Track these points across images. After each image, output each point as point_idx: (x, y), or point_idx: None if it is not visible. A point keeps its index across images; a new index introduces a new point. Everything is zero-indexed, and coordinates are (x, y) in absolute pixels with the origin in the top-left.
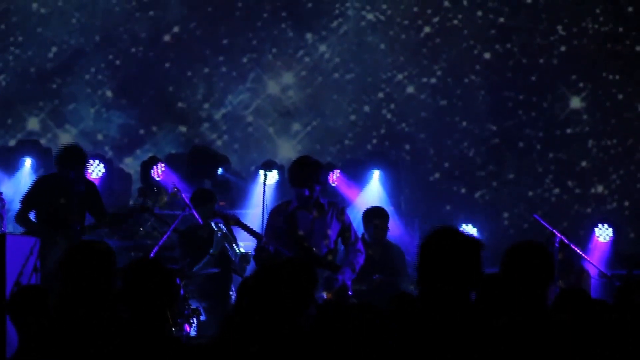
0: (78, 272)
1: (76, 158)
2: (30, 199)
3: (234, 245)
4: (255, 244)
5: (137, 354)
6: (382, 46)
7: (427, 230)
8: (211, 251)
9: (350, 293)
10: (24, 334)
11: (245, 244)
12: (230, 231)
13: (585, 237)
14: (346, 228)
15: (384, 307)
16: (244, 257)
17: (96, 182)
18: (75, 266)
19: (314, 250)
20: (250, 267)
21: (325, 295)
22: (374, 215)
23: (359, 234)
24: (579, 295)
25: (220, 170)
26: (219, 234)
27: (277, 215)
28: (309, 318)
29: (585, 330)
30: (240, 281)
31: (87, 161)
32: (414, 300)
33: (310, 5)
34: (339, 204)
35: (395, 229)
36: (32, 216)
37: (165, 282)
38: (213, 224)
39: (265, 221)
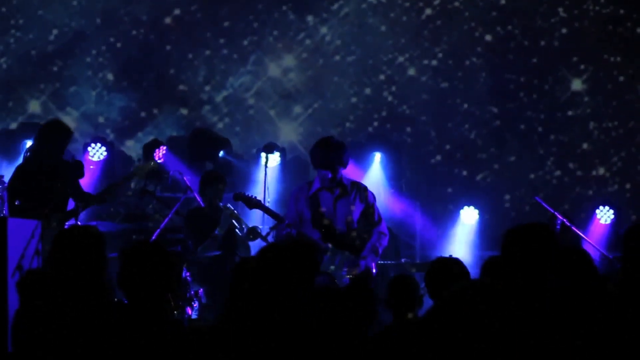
0: (67, 257)
1: (60, 136)
2: (13, 186)
3: (242, 223)
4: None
5: (136, 337)
6: (383, 28)
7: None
8: (217, 231)
9: (374, 273)
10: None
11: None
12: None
13: (586, 219)
14: (369, 207)
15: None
16: (251, 230)
17: (98, 165)
18: (65, 250)
19: (337, 231)
20: (254, 243)
21: (348, 278)
22: None
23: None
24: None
25: (221, 153)
26: (227, 212)
27: (298, 199)
28: (309, 302)
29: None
30: (238, 261)
31: (70, 139)
32: (414, 282)
33: None
34: (362, 184)
35: (396, 211)
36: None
37: (164, 265)
38: (221, 204)
39: (265, 203)
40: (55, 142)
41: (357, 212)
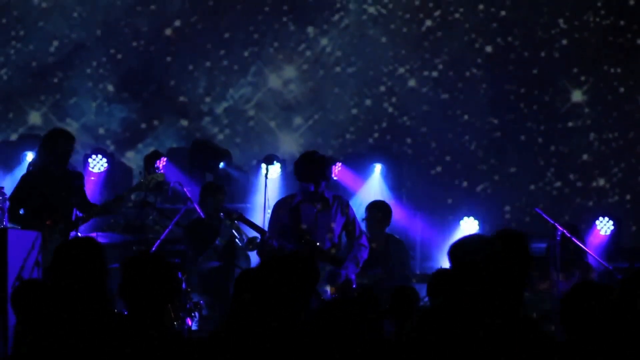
0: (68, 268)
1: (62, 147)
2: (18, 195)
3: (242, 233)
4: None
5: (136, 349)
6: (384, 40)
7: None
8: (217, 241)
9: (354, 286)
10: (23, 328)
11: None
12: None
13: (586, 231)
14: (350, 222)
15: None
16: (251, 240)
17: (98, 177)
18: (65, 262)
19: (318, 244)
20: (254, 254)
21: (328, 289)
22: (373, 208)
23: (363, 228)
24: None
25: (221, 164)
26: (227, 222)
27: (281, 210)
28: (310, 311)
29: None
30: (239, 273)
31: (72, 148)
32: (414, 293)
33: None
34: (343, 198)
35: (397, 222)
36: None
37: (164, 276)
38: (222, 214)
39: (266, 215)
40: (58, 151)
41: (338, 226)
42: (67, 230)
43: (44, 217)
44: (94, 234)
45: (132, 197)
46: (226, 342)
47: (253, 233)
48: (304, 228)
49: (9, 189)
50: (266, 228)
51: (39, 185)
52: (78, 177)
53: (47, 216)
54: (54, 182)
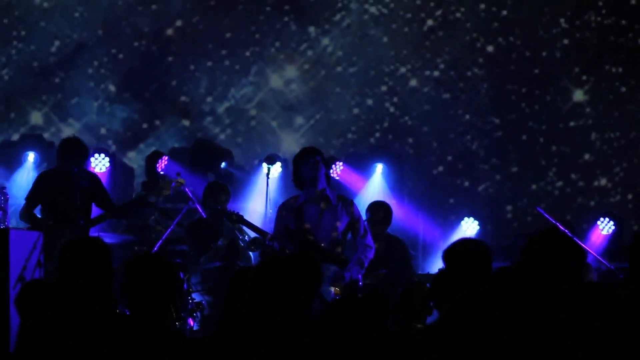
0: (73, 268)
1: (78, 152)
2: (34, 195)
3: (245, 234)
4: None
5: (139, 349)
6: (385, 39)
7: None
8: (219, 242)
9: (360, 284)
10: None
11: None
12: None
13: (588, 230)
14: (355, 221)
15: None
16: (253, 241)
17: (100, 176)
18: (71, 262)
19: (322, 244)
20: (257, 254)
21: (332, 290)
22: (375, 208)
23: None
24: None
25: (223, 164)
26: (229, 223)
27: (285, 212)
28: (313, 313)
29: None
30: (236, 271)
31: (89, 154)
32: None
33: None
34: (348, 197)
35: (398, 222)
36: (38, 211)
37: (167, 276)
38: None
39: (267, 214)
40: (64, 157)
41: (342, 225)
42: (79, 231)
43: (57, 217)
44: (95, 234)
45: (133, 196)
46: (227, 342)
47: (254, 233)
48: (308, 227)
49: (10, 190)
50: (267, 228)
51: (56, 185)
52: (90, 178)
53: (62, 216)
54: (70, 183)
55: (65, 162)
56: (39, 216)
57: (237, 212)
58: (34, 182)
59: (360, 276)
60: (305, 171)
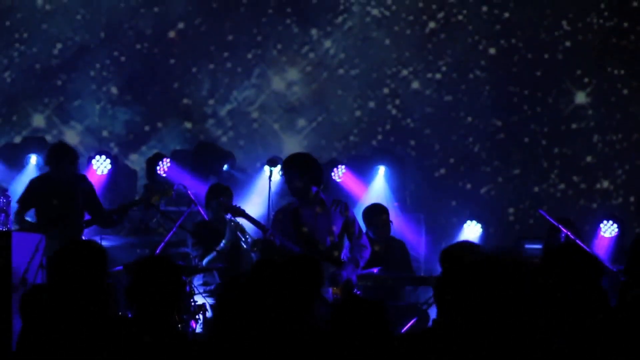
0: (67, 271)
1: (65, 156)
2: (24, 200)
3: (247, 235)
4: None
5: (141, 351)
6: (387, 42)
7: None
8: (222, 244)
9: (355, 284)
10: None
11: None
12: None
13: (590, 233)
14: (350, 223)
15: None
16: (256, 242)
17: (102, 179)
18: (65, 265)
19: (319, 246)
20: (259, 257)
21: (331, 290)
22: (379, 212)
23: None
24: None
25: (225, 167)
26: (232, 224)
27: (281, 216)
28: (317, 314)
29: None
30: (229, 278)
31: (77, 158)
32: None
33: (315, 1)
34: (342, 200)
35: (400, 224)
36: (32, 215)
37: (174, 279)
38: (227, 216)
39: (270, 217)
40: (56, 163)
41: (338, 227)
42: (72, 235)
43: (50, 221)
44: (97, 237)
45: (136, 199)
46: (229, 344)
47: (257, 234)
48: (305, 231)
49: (12, 192)
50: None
51: (46, 190)
52: (83, 180)
53: (54, 220)
54: (60, 187)
55: (53, 167)
56: (32, 220)
57: (238, 206)
58: (25, 187)
59: (354, 276)
60: (288, 187)
